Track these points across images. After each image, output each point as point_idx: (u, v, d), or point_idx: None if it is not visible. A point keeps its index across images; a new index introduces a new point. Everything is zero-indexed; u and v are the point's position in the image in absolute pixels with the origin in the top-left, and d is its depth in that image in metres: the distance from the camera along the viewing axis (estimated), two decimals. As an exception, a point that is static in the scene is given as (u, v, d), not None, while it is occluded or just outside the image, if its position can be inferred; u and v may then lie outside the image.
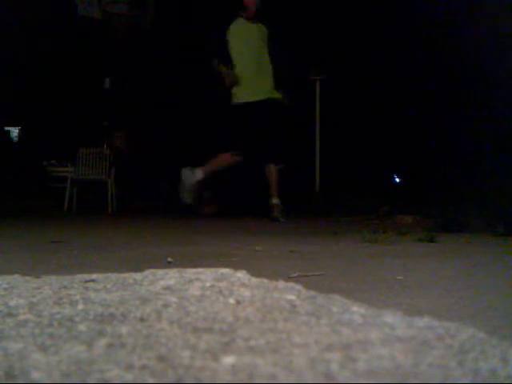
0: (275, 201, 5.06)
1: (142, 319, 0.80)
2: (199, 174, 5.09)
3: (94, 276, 1.16)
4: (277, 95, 5.17)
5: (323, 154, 7.36)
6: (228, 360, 0.62)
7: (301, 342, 0.70)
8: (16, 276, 1.17)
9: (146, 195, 7.66)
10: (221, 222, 4.76)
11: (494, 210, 3.86)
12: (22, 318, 0.83)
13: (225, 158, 5.12)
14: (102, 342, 0.69)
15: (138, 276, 1.12)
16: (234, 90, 5.14)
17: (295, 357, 0.64)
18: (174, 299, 0.91)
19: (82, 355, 0.64)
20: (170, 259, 1.96)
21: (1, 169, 7.53)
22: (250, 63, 5.17)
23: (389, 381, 0.58)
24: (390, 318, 0.82)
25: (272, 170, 5.14)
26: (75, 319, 0.81)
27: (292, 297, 0.93)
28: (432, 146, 6.75)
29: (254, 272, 1.15)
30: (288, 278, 1.58)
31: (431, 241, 2.83)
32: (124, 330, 0.75)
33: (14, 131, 10.56)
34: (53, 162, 8.48)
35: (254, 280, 1.07)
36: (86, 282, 1.11)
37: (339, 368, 0.60)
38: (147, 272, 1.15)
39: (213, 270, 1.14)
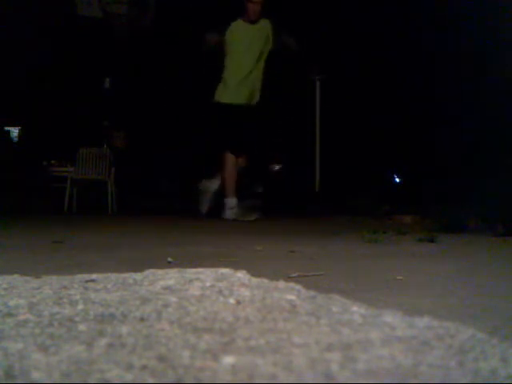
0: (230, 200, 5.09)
1: (142, 319, 0.80)
2: (232, 201, 5.07)
3: (93, 276, 1.16)
4: (255, 100, 5.18)
5: (323, 153, 7.36)
6: (228, 360, 0.62)
7: (301, 342, 0.70)
8: (16, 276, 1.17)
9: (146, 195, 7.66)
10: (221, 222, 4.76)
11: (494, 210, 3.86)
12: (21, 317, 0.83)
13: (229, 160, 5.09)
14: (102, 341, 0.69)
15: (137, 276, 1.12)
16: (218, 90, 5.17)
17: (295, 357, 0.64)
18: (173, 299, 0.91)
19: (82, 355, 0.64)
20: (170, 259, 1.96)
21: (1, 169, 7.53)
22: (240, 69, 5.17)
23: (389, 381, 0.58)
24: (390, 318, 0.82)
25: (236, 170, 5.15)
26: (75, 319, 0.81)
27: (292, 297, 0.93)
28: (432, 145, 6.75)
29: (254, 272, 1.15)
30: (288, 278, 1.58)
31: (431, 241, 2.83)
32: (124, 329, 0.75)
33: (14, 131, 10.55)
34: (53, 161, 8.48)
35: (254, 280, 1.07)
36: (86, 281, 1.11)
37: (339, 368, 0.60)
38: (147, 272, 1.15)
39: (213, 269, 1.14)
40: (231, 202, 5.02)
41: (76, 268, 1.74)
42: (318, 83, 7.32)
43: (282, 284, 1.04)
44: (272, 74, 5.36)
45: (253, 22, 5.22)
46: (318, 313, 0.84)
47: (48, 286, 1.07)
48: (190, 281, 1.04)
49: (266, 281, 1.06)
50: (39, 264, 1.93)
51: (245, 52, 5.20)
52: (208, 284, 1.02)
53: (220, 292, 0.96)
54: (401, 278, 1.70)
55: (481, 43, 5.81)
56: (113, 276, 1.15)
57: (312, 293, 0.97)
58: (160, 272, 1.15)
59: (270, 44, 5.24)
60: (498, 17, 5.60)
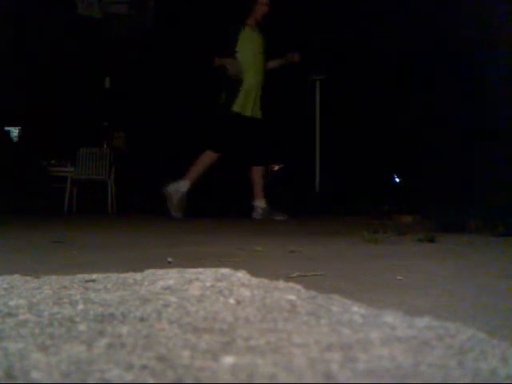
0: (258, 203, 5.10)
1: (142, 319, 0.80)
2: (186, 184, 5.04)
3: (93, 276, 1.16)
4: (259, 115, 5.19)
5: (323, 153, 7.36)
6: (228, 360, 0.62)
7: (301, 341, 0.70)
8: (16, 276, 1.17)
9: (145, 195, 7.66)
10: (220, 223, 4.76)
11: (494, 211, 3.85)
12: (21, 318, 0.83)
13: (207, 157, 5.07)
14: (102, 341, 0.69)
15: (138, 276, 1.12)
16: (237, 98, 5.12)
17: (295, 357, 0.64)
18: (173, 299, 0.91)
19: (82, 355, 0.64)
20: (170, 259, 1.96)
21: (0, 169, 7.53)
22: (252, 75, 5.13)
23: (389, 381, 0.58)
24: (390, 318, 0.82)
25: (257, 172, 5.14)
26: (75, 319, 0.81)
27: (292, 297, 0.93)
28: (432, 145, 6.75)
29: (254, 272, 1.15)
30: (288, 278, 1.58)
31: (431, 241, 2.83)
32: (124, 330, 0.75)
33: (14, 131, 10.55)
34: (53, 162, 8.49)
35: (254, 280, 1.07)
36: (86, 281, 1.11)
37: (339, 368, 0.60)
38: (147, 272, 1.15)
39: (213, 269, 1.13)
40: (260, 204, 5.11)
41: (76, 268, 1.74)
42: (318, 83, 7.32)
43: (282, 284, 1.04)
44: (272, 74, 5.36)
45: (257, 26, 5.20)
46: (318, 313, 0.84)
47: (48, 285, 1.07)
48: (190, 281, 1.04)
49: (266, 281, 1.06)
50: (39, 264, 1.93)
51: (253, 58, 5.15)
52: (208, 284, 1.02)
53: (220, 292, 0.96)
54: (401, 278, 1.70)
55: (482, 45, 5.82)
56: (113, 276, 1.15)
57: (312, 293, 0.97)
58: (160, 272, 1.15)
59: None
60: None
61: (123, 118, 9.14)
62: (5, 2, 8.20)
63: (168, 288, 1.00)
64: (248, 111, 5.12)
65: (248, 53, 5.13)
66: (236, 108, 5.10)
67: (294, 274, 1.69)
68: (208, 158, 5.08)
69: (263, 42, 5.22)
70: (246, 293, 0.96)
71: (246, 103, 5.11)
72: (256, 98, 5.17)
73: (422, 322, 0.80)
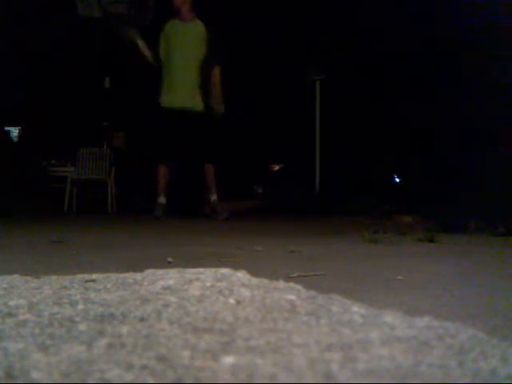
0: (214, 197, 5.07)
1: (142, 319, 0.80)
2: (161, 199, 5.06)
3: (93, 276, 1.16)
4: (199, 107, 5.05)
5: (323, 154, 7.37)
6: (228, 360, 0.62)
7: (301, 341, 0.70)
8: (16, 276, 1.17)
9: (145, 195, 7.65)
10: (220, 223, 4.76)
11: (494, 210, 3.86)
12: (21, 318, 0.83)
13: (161, 170, 5.06)
14: (102, 341, 0.69)
15: (138, 276, 1.12)
16: (161, 94, 5.12)
17: (295, 357, 0.64)
18: (173, 299, 0.91)
19: (82, 355, 0.64)
20: (170, 259, 1.96)
21: (1, 169, 7.53)
22: (174, 68, 5.09)
23: (389, 381, 0.58)
24: (390, 318, 0.82)
25: (208, 168, 5.09)
26: (75, 319, 0.81)
27: (292, 297, 0.93)
28: (432, 145, 6.75)
29: (254, 272, 1.15)
30: (288, 278, 1.58)
31: (431, 241, 2.83)
32: (124, 330, 0.75)
33: (14, 131, 10.55)
34: (53, 161, 8.48)
35: (254, 280, 1.07)
36: (86, 281, 1.11)
37: (339, 368, 0.60)
38: (147, 272, 1.15)
39: (213, 269, 1.14)
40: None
41: (76, 268, 1.74)
42: (318, 83, 7.33)
43: (281, 284, 1.04)
44: (272, 74, 5.36)
45: (184, 19, 5.15)
46: (318, 313, 0.84)
47: (48, 286, 1.07)
48: (190, 281, 1.04)
49: (266, 281, 1.06)
50: (39, 264, 1.93)
51: (174, 50, 5.12)
52: (208, 284, 1.02)
53: (220, 292, 0.96)
54: (401, 277, 1.70)
55: (480, 45, 5.82)
56: (113, 276, 1.15)
57: (312, 293, 0.97)
58: (160, 272, 1.15)
59: (203, 48, 5.09)
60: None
61: (123, 117, 9.14)
62: (5, 1, 8.20)
63: (168, 288, 1.00)
64: (176, 103, 5.03)
65: (167, 45, 5.17)
66: (163, 102, 5.07)
67: (294, 274, 1.69)
68: (163, 172, 5.05)
69: (195, 33, 5.13)
70: (246, 293, 0.96)
71: (172, 96, 5.05)
72: (188, 89, 5.06)
73: (422, 321, 0.80)
